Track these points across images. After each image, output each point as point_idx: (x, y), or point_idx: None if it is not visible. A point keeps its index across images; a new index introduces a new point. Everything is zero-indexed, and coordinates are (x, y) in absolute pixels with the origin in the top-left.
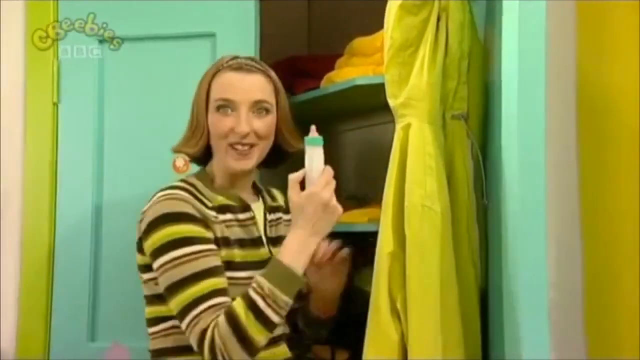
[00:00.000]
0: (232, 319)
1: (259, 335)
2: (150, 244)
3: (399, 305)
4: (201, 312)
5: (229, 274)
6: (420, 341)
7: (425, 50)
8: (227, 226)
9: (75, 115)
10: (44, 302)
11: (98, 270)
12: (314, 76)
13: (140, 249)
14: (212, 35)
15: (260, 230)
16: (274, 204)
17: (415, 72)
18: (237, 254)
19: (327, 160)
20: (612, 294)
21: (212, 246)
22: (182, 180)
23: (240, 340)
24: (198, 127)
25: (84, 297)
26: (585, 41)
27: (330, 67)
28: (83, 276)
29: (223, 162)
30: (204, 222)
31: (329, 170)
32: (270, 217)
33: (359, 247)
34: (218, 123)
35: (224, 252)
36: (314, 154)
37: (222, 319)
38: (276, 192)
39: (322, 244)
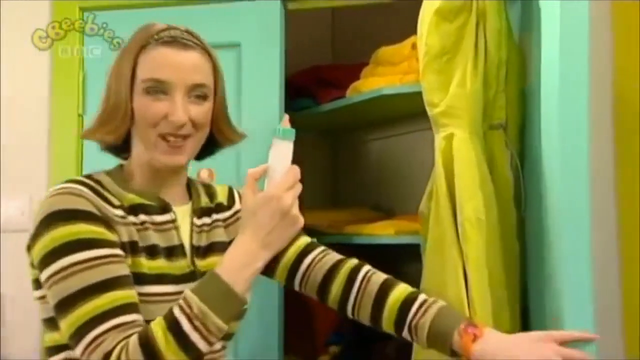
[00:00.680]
0: (147, 343)
1: None
2: (37, 250)
3: None
4: (103, 333)
5: (135, 288)
6: None
7: (466, 57)
8: (139, 230)
9: None
10: None
11: None
12: (337, 85)
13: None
14: (237, 45)
15: (182, 236)
16: (210, 204)
17: (457, 81)
18: (145, 264)
19: (351, 169)
20: None
21: (117, 251)
22: (85, 175)
23: None
24: (118, 108)
25: None
26: (621, 42)
27: (354, 76)
28: None
29: (149, 155)
30: (106, 222)
31: (295, 171)
32: (200, 221)
33: (377, 260)
34: (147, 109)
35: (130, 261)
36: (282, 148)
37: (133, 340)
38: (217, 188)
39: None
